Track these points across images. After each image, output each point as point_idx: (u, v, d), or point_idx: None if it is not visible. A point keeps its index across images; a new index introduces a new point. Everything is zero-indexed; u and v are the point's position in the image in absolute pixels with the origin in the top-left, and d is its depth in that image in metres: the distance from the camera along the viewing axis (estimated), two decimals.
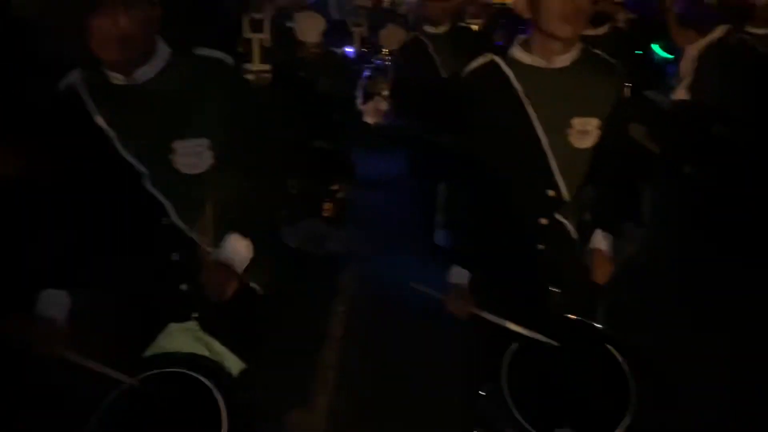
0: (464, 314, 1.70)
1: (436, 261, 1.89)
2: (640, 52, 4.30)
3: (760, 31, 3.89)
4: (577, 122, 1.68)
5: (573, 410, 1.45)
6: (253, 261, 1.58)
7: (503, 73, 1.70)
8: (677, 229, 3.96)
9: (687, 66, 4.00)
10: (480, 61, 1.76)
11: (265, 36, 3.90)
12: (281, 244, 3.12)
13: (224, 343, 1.60)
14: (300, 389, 2.68)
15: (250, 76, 3.73)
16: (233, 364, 1.60)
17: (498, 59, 1.72)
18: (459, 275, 1.77)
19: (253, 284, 1.68)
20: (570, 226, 1.80)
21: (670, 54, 4.45)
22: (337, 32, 5.33)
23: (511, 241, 1.81)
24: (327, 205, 3.98)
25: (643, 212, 3.62)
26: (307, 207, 3.91)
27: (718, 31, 3.85)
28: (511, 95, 1.69)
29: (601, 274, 1.73)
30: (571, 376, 1.53)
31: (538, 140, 1.69)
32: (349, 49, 5.67)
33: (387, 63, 4.86)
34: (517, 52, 1.71)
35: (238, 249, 1.55)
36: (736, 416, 2.47)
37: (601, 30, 3.64)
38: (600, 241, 1.77)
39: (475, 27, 5.08)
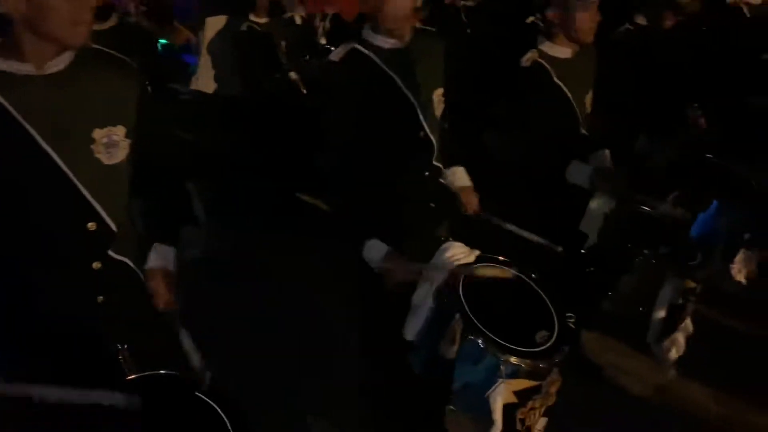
0: None
1: None
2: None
3: (261, 20, 4.20)
4: (99, 134, 1.41)
5: None
6: None
7: None
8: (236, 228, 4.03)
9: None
10: None
11: None
12: None
13: None
14: None
15: None
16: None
17: None
18: None
19: None
20: (132, 264, 1.53)
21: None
22: None
23: (61, 299, 1.42)
24: None
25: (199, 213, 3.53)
26: None
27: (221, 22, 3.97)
28: None
29: (163, 298, 1.55)
30: None
31: (54, 164, 1.35)
32: None
33: None
34: None
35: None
36: None
37: (108, 23, 3.28)
38: (156, 259, 1.57)
39: None
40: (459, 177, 2.20)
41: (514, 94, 2.43)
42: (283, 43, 4.37)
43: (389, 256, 1.82)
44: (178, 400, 1.35)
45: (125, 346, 1.45)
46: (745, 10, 3.70)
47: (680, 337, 2.50)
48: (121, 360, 1.43)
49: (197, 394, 1.35)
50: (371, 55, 1.89)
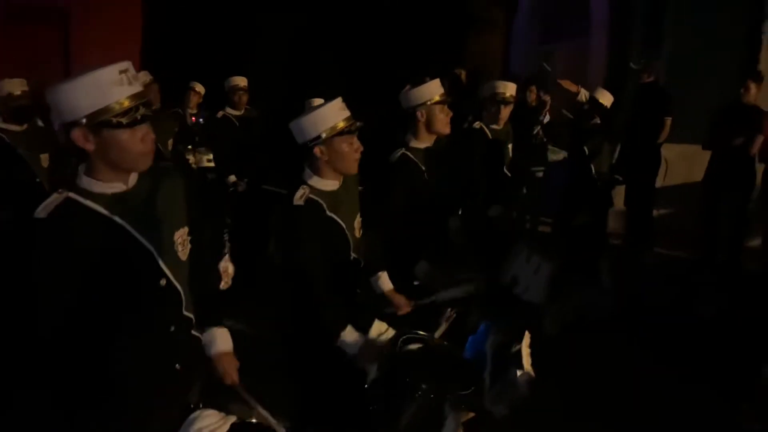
0: None
1: None
2: None
3: None
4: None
5: None
6: None
7: None
8: None
9: None
10: None
11: None
12: None
13: None
14: None
15: None
16: None
17: None
18: None
19: None
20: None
21: None
22: None
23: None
24: None
25: None
26: None
27: None
28: None
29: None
30: None
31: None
32: None
33: None
34: None
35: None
36: None
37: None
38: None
39: None
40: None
41: (288, 230, 2.28)
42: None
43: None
44: None
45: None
46: (488, 132, 4.02)
47: None
48: None
49: None
50: (89, 203, 1.51)
